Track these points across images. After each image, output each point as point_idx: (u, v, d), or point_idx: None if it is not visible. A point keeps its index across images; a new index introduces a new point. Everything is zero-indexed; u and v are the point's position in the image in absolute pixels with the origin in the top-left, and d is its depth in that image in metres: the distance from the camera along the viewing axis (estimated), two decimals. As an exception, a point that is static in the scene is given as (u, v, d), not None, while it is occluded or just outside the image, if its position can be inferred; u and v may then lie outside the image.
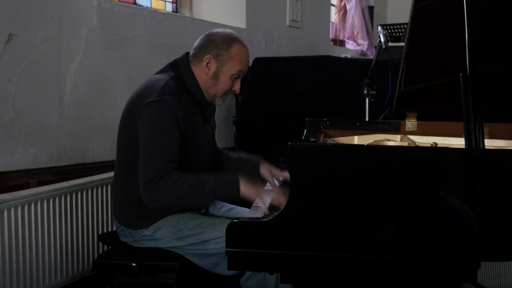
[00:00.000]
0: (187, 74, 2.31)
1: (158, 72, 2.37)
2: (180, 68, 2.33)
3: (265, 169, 2.49)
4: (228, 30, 2.36)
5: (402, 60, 2.50)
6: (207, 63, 2.29)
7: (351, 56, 6.61)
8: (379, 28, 3.14)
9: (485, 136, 2.47)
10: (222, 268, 2.19)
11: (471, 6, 1.94)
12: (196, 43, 2.36)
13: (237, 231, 1.82)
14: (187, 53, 2.38)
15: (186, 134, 2.21)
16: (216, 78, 2.30)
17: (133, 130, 2.21)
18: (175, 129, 2.16)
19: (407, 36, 2.45)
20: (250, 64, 4.09)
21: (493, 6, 2.37)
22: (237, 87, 2.35)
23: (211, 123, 2.46)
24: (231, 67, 2.30)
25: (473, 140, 1.75)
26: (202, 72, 2.30)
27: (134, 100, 2.27)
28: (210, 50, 2.29)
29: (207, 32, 2.36)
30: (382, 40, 3.06)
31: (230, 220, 1.87)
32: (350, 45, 7.40)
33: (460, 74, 1.82)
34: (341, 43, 7.37)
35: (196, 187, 2.10)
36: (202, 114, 2.36)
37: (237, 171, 2.31)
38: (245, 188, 2.11)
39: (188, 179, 2.10)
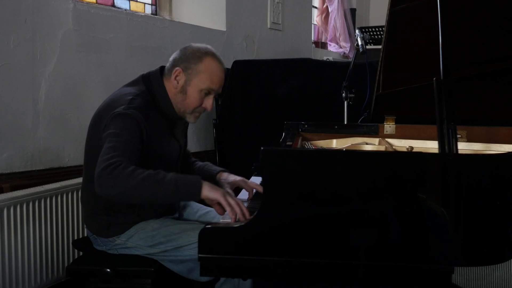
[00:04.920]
0: (158, 87, 2.25)
1: (129, 84, 2.31)
2: (151, 81, 2.27)
3: (222, 176, 2.47)
4: (204, 45, 2.27)
5: (379, 63, 2.50)
6: (176, 76, 2.22)
7: (332, 58, 6.62)
8: (357, 31, 3.13)
9: (463, 139, 2.51)
10: (198, 274, 2.14)
11: (446, 9, 1.94)
12: (171, 56, 2.29)
13: (210, 237, 1.80)
14: (161, 67, 2.32)
15: (150, 147, 2.16)
16: (184, 92, 2.23)
17: (98, 141, 2.14)
18: (137, 137, 2.09)
19: (384, 39, 2.45)
20: (229, 66, 4.13)
21: (471, 9, 2.37)
22: (207, 104, 2.27)
23: (179, 140, 2.38)
24: (200, 82, 2.21)
25: (446, 144, 1.74)
26: (172, 85, 2.24)
27: (100, 113, 2.22)
28: (180, 63, 2.22)
29: (184, 46, 2.29)
30: (360, 43, 3.05)
31: (204, 225, 1.85)
32: (332, 47, 7.41)
33: (434, 78, 1.81)
34: (323, 45, 7.38)
35: (154, 178, 1.95)
36: (170, 130, 2.31)
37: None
38: (208, 188, 1.98)
39: (147, 170, 1.97)
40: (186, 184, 1.98)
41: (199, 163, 2.61)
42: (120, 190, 1.94)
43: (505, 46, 2.42)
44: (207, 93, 2.25)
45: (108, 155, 1.98)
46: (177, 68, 2.22)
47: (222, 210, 2.02)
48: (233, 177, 2.46)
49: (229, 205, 1.96)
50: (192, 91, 2.23)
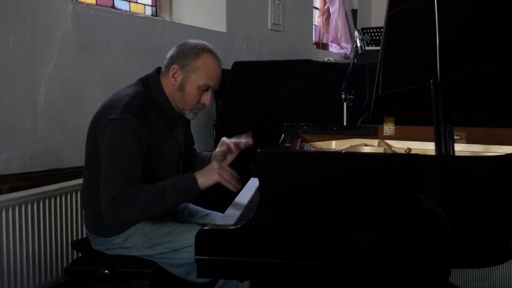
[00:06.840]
0: (155, 87, 2.26)
1: (128, 86, 2.31)
2: (149, 82, 2.28)
3: (216, 151, 2.51)
4: (201, 41, 2.28)
5: (378, 65, 2.49)
6: (174, 73, 2.23)
7: (333, 59, 6.62)
8: (356, 33, 3.13)
9: (462, 140, 2.50)
10: (195, 277, 2.15)
11: (443, 11, 1.93)
12: (168, 54, 2.29)
13: (206, 238, 1.79)
14: (158, 68, 2.33)
15: (149, 152, 2.17)
16: (182, 89, 2.24)
17: (96, 144, 2.17)
18: (136, 148, 2.11)
19: (382, 41, 2.44)
20: (230, 67, 4.13)
21: (470, 9, 2.37)
22: (206, 100, 2.28)
23: (179, 139, 2.39)
24: (197, 78, 2.22)
25: (443, 146, 1.74)
26: (170, 83, 2.25)
27: (98, 115, 2.24)
28: (178, 60, 2.23)
29: (180, 43, 2.29)
30: (359, 44, 3.05)
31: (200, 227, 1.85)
32: (333, 48, 7.40)
33: (431, 80, 1.81)
34: (324, 46, 7.38)
35: (157, 196, 2.07)
36: (169, 130, 2.32)
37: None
38: (202, 178, 2.12)
39: (147, 191, 2.06)
40: (184, 188, 2.11)
41: (199, 155, 2.66)
42: (129, 219, 2.15)
43: (505, 46, 2.41)
44: (205, 89, 2.26)
45: (110, 184, 2.07)
46: (174, 65, 2.23)
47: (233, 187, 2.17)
48: (219, 149, 2.51)
49: (228, 182, 2.13)
50: (190, 87, 2.23)
